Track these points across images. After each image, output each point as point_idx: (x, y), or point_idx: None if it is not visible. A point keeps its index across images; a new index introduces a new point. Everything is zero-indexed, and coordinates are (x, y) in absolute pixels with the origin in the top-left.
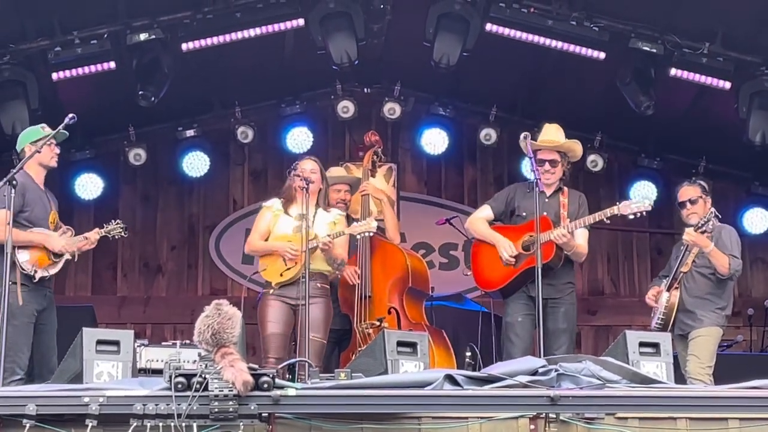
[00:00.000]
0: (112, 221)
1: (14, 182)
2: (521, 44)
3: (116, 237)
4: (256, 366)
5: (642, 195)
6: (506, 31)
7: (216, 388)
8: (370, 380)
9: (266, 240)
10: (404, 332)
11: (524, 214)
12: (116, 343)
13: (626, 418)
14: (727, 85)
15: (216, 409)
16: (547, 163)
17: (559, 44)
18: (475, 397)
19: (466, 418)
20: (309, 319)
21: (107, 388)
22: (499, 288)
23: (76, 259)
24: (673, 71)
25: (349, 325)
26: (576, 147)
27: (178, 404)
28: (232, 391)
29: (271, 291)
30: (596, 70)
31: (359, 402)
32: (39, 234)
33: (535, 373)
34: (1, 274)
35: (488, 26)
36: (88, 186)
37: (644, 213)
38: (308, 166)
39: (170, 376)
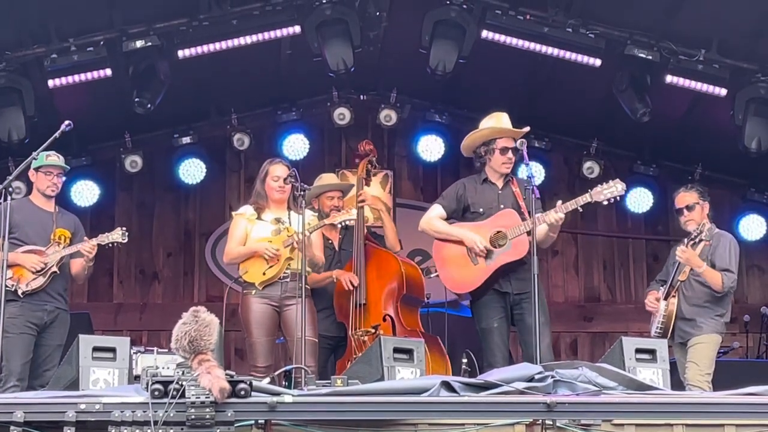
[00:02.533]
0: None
1: (10, 191)
2: (517, 51)
3: (115, 245)
4: (233, 373)
5: (637, 200)
6: (502, 38)
7: (193, 394)
8: (366, 387)
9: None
10: (400, 339)
11: (481, 210)
12: (112, 350)
13: (623, 425)
14: (723, 91)
15: (193, 416)
16: (509, 151)
17: (555, 51)
18: (471, 403)
19: (463, 424)
20: (303, 325)
21: (103, 395)
22: (474, 288)
23: (57, 271)
24: (668, 78)
25: (344, 333)
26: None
27: (155, 411)
28: (209, 398)
29: (253, 292)
30: (592, 77)
31: (356, 409)
32: (14, 254)
33: (531, 379)
34: None
35: (484, 33)
36: (84, 193)
37: (618, 198)
38: (281, 172)
39: (147, 383)
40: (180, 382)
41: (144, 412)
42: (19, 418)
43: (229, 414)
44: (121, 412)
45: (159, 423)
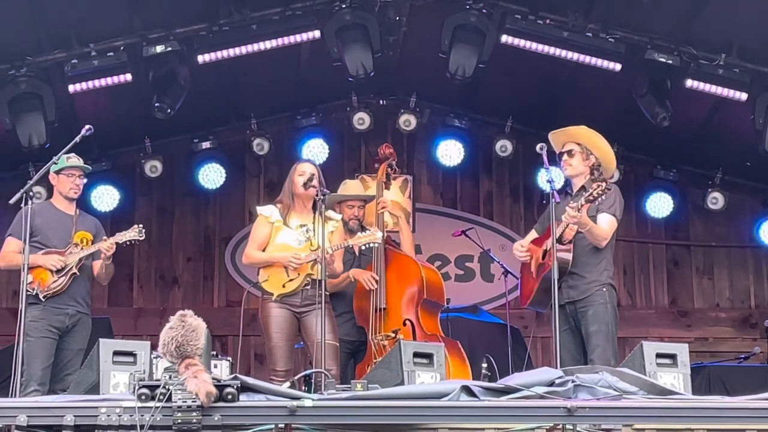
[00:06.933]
0: (135, 226)
1: (31, 195)
2: (537, 56)
3: (133, 243)
4: (219, 377)
5: (657, 205)
6: (522, 42)
7: (179, 399)
8: (386, 391)
9: (264, 250)
10: (420, 343)
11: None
12: (132, 354)
13: (643, 429)
14: (744, 96)
15: (179, 420)
16: (564, 154)
17: (575, 56)
18: (491, 408)
19: (483, 429)
20: (323, 330)
21: (122, 399)
22: (529, 302)
23: (77, 272)
24: (689, 83)
25: (364, 337)
26: (593, 138)
27: (141, 415)
28: (195, 402)
29: (273, 297)
30: (612, 82)
31: (376, 413)
32: (35, 255)
33: (551, 384)
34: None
35: (504, 38)
36: (105, 198)
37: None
38: (309, 170)
39: (134, 387)
40: (167, 387)
41: (131, 416)
42: (23, 421)
43: (216, 418)
44: (108, 416)
45: (145, 427)
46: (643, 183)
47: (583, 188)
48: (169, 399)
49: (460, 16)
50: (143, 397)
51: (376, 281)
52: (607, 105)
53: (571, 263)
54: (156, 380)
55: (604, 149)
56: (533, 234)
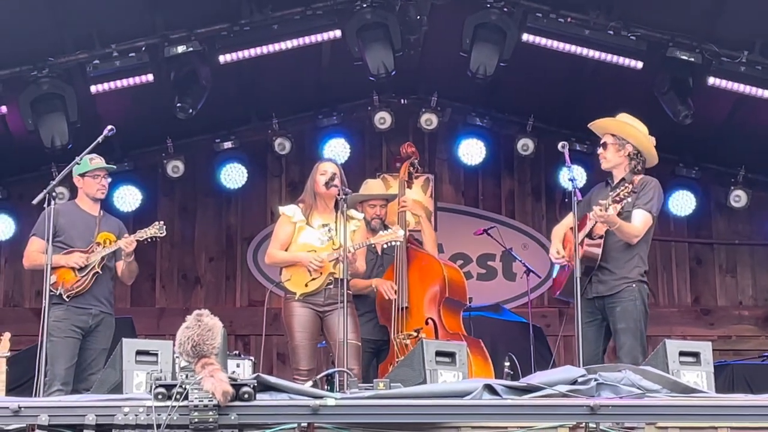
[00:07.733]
0: (156, 223)
1: (54, 196)
2: (558, 54)
3: (155, 239)
4: (236, 376)
5: (680, 203)
6: (543, 41)
7: (196, 398)
8: (409, 390)
9: (286, 250)
10: (443, 342)
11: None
12: (155, 353)
13: (666, 428)
14: (766, 93)
15: (196, 420)
16: (600, 147)
17: (597, 54)
18: (514, 406)
19: (506, 427)
20: (346, 329)
21: (142, 399)
22: (559, 292)
23: (99, 271)
24: (711, 80)
25: (386, 336)
26: (625, 128)
27: (158, 414)
28: (212, 401)
29: (296, 296)
30: (634, 80)
31: (398, 412)
32: (57, 256)
33: (574, 382)
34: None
35: (525, 36)
36: (127, 198)
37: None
38: (331, 169)
39: (150, 386)
40: (183, 386)
41: (147, 415)
42: (44, 421)
43: (233, 417)
44: (125, 415)
45: (162, 426)
46: (665, 181)
47: (623, 180)
48: (186, 398)
49: (481, 15)
50: (160, 397)
51: (395, 291)
52: (629, 103)
53: (602, 257)
54: (173, 380)
55: (638, 137)
56: (570, 217)
